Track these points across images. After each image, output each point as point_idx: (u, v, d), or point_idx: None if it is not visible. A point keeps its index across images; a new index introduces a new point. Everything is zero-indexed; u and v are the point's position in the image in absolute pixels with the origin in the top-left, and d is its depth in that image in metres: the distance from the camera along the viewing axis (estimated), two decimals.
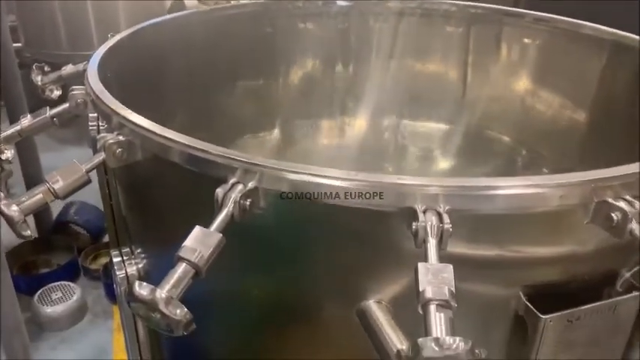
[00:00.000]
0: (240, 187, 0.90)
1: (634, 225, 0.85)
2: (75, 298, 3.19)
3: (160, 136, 1.00)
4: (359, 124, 2.42)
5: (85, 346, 3.02)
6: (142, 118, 1.05)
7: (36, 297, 3.18)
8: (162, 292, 0.77)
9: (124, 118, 1.06)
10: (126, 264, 1.39)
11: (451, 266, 0.78)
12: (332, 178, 0.87)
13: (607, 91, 1.80)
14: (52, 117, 1.31)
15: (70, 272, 3.42)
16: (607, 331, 1.04)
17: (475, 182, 0.86)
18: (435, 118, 2.31)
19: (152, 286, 0.78)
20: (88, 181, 1.05)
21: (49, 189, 1.02)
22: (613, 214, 0.87)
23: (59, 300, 3.18)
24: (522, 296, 0.99)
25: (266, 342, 1.20)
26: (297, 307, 1.09)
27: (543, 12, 1.95)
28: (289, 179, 0.89)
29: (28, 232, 1.03)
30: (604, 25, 1.75)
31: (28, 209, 1.01)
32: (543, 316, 0.95)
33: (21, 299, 3.15)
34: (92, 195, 1.62)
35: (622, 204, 0.86)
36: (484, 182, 0.85)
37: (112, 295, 3.22)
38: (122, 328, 1.57)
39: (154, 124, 1.02)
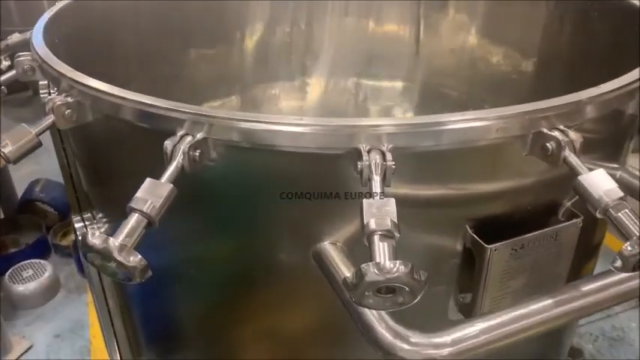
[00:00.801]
0: (189, 138, 0.90)
1: (567, 152, 0.88)
2: (46, 275, 3.15)
3: (108, 94, 0.99)
4: (318, 86, 2.42)
5: (61, 321, 3.00)
6: (89, 77, 1.04)
7: (7, 276, 3.13)
8: (115, 241, 0.77)
9: (71, 79, 1.05)
10: (88, 229, 1.39)
11: (393, 200, 0.80)
12: (279, 124, 0.88)
13: (553, 41, 1.84)
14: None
15: (40, 250, 3.38)
16: (551, 258, 1.09)
17: (415, 120, 0.88)
18: (391, 77, 2.33)
19: (105, 236, 0.78)
20: (39, 145, 1.04)
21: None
22: (548, 144, 0.90)
23: (30, 278, 3.14)
24: (469, 229, 1.02)
25: (230, 300, 1.22)
26: (256, 257, 1.11)
27: None
28: (237, 128, 0.90)
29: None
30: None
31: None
32: (488, 246, 0.99)
33: None
34: (57, 173, 1.60)
35: (556, 133, 0.90)
36: (424, 119, 0.88)
37: (83, 269, 3.20)
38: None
39: (101, 82, 1.01)
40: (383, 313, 0.86)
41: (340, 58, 2.35)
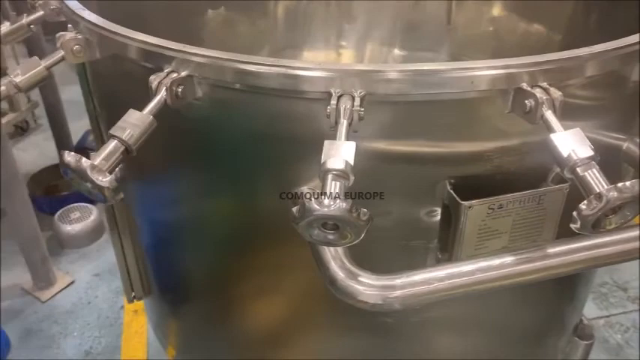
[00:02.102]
0: (174, 75, 0.94)
1: (544, 110, 0.86)
2: (92, 218, 3.34)
3: (109, 30, 1.03)
4: (348, 53, 2.40)
5: (102, 262, 3.18)
6: (95, 15, 1.09)
7: (56, 216, 3.34)
8: (87, 161, 0.82)
9: (79, 16, 1.10)
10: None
11: (354, 143, 0.80)
12: (257, 64, 0.90)
13: (580, 19, 1.76)
14: (29, 24, 1.35)
15: None
16: (534, 223, 1.06)
17: (386, 67, 0.87)
18: (422, 47, 2.28)
19: (79, 155, 0.83)
20: (48, 77, 1.10)
21: (10, 82, 1.07)
22: (526, 101, 0.88)
23: (77, 220, 3.34)
24: (448, 185, 1.01)
25: (219, 245, 1.27)
26: (241, 201, 1.14)
27: None
28: (219, 66, 0.92)
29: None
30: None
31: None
32: (463, 202, 0.98)
33: (44, 219, 3.34)
34: None
35: (536, 91, 0.87)
36: (397, 67, 0.87)
37: None
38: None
39: (103, 19, 1.06)
40: (341, 254, 0.87)
41: (374, 26, 2.32)
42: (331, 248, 0.87)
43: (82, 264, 3.20)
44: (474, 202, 0.99)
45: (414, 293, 0.84)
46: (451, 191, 1.00)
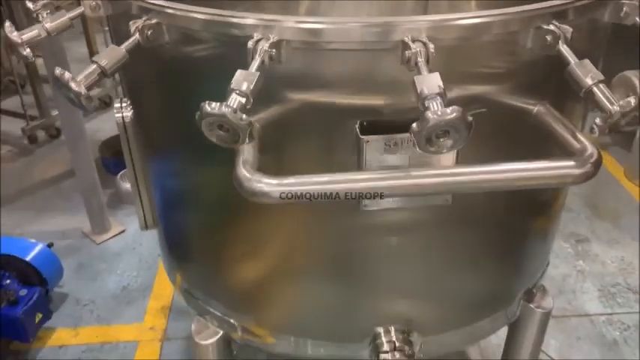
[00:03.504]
0: (146, 21, 1.22)
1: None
2: None
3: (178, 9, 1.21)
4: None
5: None
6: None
7: (119, 175, 3.80)
8: (70, 75, 1.13)
9: (151, 3, 1.24)
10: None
11: (258, 72, 1.05)
12: (201, 13, 1.16)
13: None
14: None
15: None
16: (427, 163, 1.24)
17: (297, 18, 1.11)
18: None
19: (65, 70, 1.14)
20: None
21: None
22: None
23: None
24: (357, 124, 1.22)
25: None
26: None
27: None
28: (183, 16, 1.19)
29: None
30: None
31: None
32: (362, 137, 1.20)
33: (109, 178, 3.81)
34: None
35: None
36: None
37: None
38: None
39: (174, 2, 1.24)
40: (251, 159, 1.12)
41: None
42: (241, 158, 1.12)
43: (134, 218, 3.58)
44: (371, 137, 1.20)
45: (298, 191, 1.07)
46: (356, 129, 1.22)
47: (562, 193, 1.74)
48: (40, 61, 3.90)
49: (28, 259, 2.70)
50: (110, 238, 3.44)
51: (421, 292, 1.57)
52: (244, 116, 1.00)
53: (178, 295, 1.94)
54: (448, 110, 0.95)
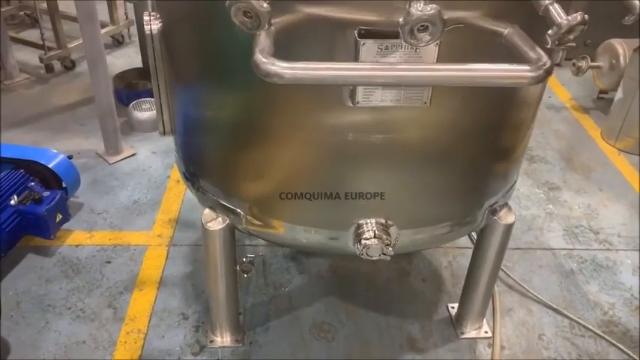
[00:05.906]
0: None
1: None
2: None
3: None
4: None
5: (160, 144, 3.82)
6: None
7: (131, 105, 4.02)
8: None
9: None
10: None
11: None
12: None
13: None
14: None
15: None
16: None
17: None
18: None
19: None
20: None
21: None
22: None
23: (147, 109, 4.00)
24: (355, 33, 1.45)
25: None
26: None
27: None
28: None
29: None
30: None
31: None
32: (359, 39, 1.43)
33: (122, 108, 4.03)
34: None
35: None
36: None
37: None
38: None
39: None
40: (267, 47, 1.34)
41: None
42: (258, 47, 1.35)
43: (145, 143, 3.87)
44: (367, 40, 1.43)
45: (305, 74, 1.30)
46: (355, 34, 1.45)
47: (528, 117, 1.98)
48: None
49: (50, 165, 2.94)
50: (122, 159, 3.67)
51: (399, 190, 1.83)
52: (265, 4, 1.22)
53: (191, 191, 2.19)
54: (428, 7, 1.19)
